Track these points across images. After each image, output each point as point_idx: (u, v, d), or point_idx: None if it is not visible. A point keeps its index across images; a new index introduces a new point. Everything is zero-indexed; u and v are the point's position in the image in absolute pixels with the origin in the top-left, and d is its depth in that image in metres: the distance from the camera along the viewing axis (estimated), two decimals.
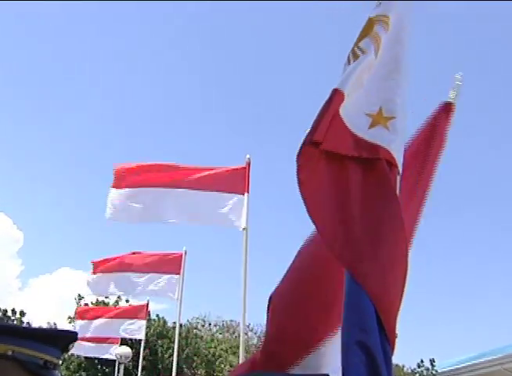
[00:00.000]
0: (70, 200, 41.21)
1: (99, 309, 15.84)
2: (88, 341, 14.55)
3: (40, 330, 1.44)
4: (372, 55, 2.20)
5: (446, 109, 2.61)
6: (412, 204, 2.34)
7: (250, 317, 29.12)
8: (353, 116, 2.13)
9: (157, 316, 24.61)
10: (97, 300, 21.84)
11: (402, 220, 2.03)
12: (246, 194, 6.62)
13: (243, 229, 6.43)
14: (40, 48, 39.78)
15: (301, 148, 2.01)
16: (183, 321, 24.59)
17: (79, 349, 15.03)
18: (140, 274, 11.14)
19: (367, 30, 2.26)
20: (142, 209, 6.97)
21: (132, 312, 14.15)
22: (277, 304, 2.42)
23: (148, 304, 14.25)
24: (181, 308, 10.74)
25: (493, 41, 35.36)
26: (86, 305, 21.13)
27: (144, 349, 15.24)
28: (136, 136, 39.91)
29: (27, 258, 43.16)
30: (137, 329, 13.88)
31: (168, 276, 10.91)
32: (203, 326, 29.76)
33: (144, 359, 16.22)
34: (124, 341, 15.96)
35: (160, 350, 22.89)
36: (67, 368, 22.50)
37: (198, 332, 27.16)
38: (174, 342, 11.65)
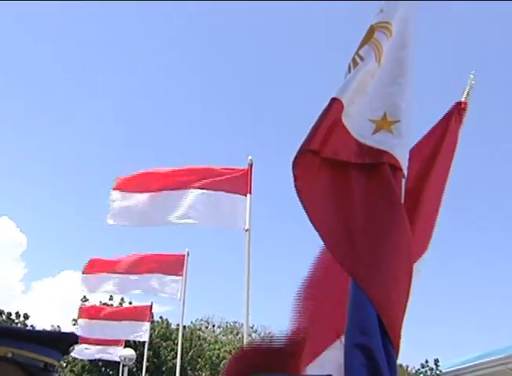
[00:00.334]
0: (72, 204, 41.25)
1: (104, 309, 15.79)
2: (92, 343, 14.55)
3: (40, 332, 1.42)
4: (373, 61, 2.20)
5: (458, 108, 2.59)
6: (425, 204, 2.32)
7: (254, 318, 29.11)
8: (357, 123, 2.13)
9: (161, 318, 24.64)
10: (100, 302, 21.86)
11: (406, 227, 2.02)
12: (248, 195, 6.62)
13: (246, 230, 6.43)
14: (40, 48, 39.86)
15: (296, 157, 2.01)
16: (187, 323, 24.61)
17: (83, 354, 15.03)
18: (142, 275, 11.10)
19: (367, 38, 2.27)
20: (143, 212, 6.97)
21: (136, 314, 14.13)
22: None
23: (152, 306, 14.24)
24: (184, 309, 10.74)
25: (497, 42, 35.31)
26: (91, 307, 21.13)
27: (148, 351, 15.22)
28: (136, 137, 39.97)
29: (31, 261, 43.34)
30: (141, 331, 13.86)
31: (171, 277, 10.88)
32: (206, 327, 29.76)
33: (148, 361, 16.20)
34: (127, 343, 15.95)
35: (163, 352, 22.88)
36: (71, 371, 22.52)
37: (202, 334, 27.14)
38: (177, 344, 11.63)
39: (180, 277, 10.71)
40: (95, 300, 21.17)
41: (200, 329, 28.27)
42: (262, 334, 30.00)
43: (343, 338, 2.23)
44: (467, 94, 2.63)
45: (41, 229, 41.79)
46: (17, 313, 24.86)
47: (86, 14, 37.31)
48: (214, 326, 30.27)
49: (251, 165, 6.80)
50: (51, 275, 59.46)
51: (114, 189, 7.11)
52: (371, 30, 2.28)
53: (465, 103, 2.61)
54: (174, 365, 15.31)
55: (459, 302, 36.97)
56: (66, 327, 22.40)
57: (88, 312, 14.67)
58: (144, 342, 14.48)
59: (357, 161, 2.09)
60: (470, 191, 37.09)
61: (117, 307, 19.92)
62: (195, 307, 39.41)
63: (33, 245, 41.14)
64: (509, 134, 34.73)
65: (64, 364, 22.81)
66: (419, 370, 22.54)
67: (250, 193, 6.64)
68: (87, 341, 14.19)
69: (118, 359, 15.86)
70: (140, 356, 15.66)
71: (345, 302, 2.11)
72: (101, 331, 13.92)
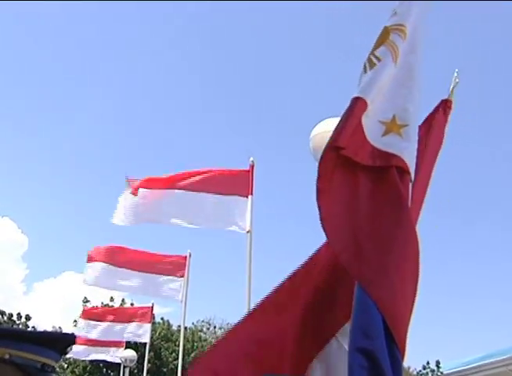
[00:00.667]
0: (73, 204, 41.26)
1: (105, 310, 15.80)
2: (93, 344, 14.55)
3: (37, 333, 1.43)
4: (391, 63, 2.21)
5: (444, 107, 2.60)
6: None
7: None
8: (369, 124, 2.13)
9: (162, 319, 24.64)
10: (102, 303, 21.87)
11: (413, 231, 2.03)
12: (250, 197, 6.62)
13: (248, 231, 6.44)
14: (40, 48, 39.91)
15: (324, 153, 2.02)
16: (188, 324, 24.61)
17: (84, 353, 15.02)
18: (143, 273, 11.08)
19: (383, 39, 2.27)
20: (146, 210, 6.98)
21: (137, 315, 14.13)
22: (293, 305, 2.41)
23: (153, 307, 14.25)
24: (185, 311, 10.75)
25: (492, 41, 35.31)
26: (93, 308, 21.15)
27: (149, 352, 15.22)
28: (136, 137, 39.99)
29: (32, 262, 43.33)
30: (142, 332, 13.86)
31: (172, 278, 10.89)
32: (208, 329, 29.74)
33: (149, 362, 16.20)
34: (128, 345, 15.96)
35: (164, 353, 22.89)
36: (73, 372, 22.53)
37: (203, 335, 27.13)
38: (179, 345, 11.63)
39: (182, 278, 10.72)
40: (96, 301, 21.20)
41: (201, 330, 28.26)
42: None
43: (339, 337, 2.25)
44: (452, 92, 2.64)
45: (42, 230, 41.86)
46: (19, 314, 24.90)
47: (86, 14, 37.37)
48: (215, 327, 30.23)
49: (252, 167, 6.80)
50: (52, 276, 59.38)
51: (132, 191, 7.12)
52: (386, 32, 2.28)
53: (450, 101, 2.62)
54: (175, 366, 15.32)
55: (461, 303, 36.96)
56: (68, 328, 22.43)
57: (90, 313, 14.67)
58: (145, 343, 14.49)
59: (368, 163, 2.09)
60: (470, 191, 37.10)
61: (118, 308, 19.92)
62: (196, 308, 39.47)
63: (34, 246, 41.11)
64: (509, 134, 34.71)
65: (65, 366, 22.83)
66: (420, 371, 22.55)
67: (252, 194, 6.65)
68: (88, 342, 14.20)
69: (119, 361, 15.87)
70: (141, 358, 15.66)
71: (338, 305, 2.13)
72: (102, 332, 13.93)
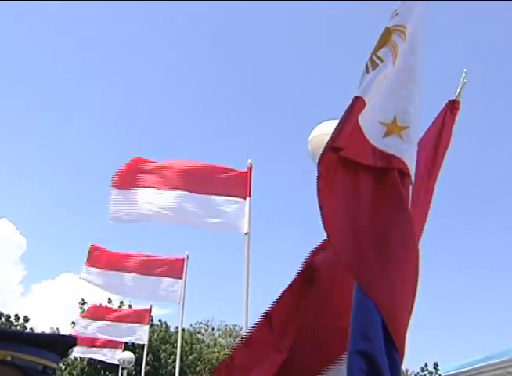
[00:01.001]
0: (72, 205, 41.22)
1: (103, 310, 15.76)
2: (90, 344, 14.53)
3: (38, 335, 1.42)
4: (390, 64, 2.21)
5: (451, 107, 2.58)
6: (417, 206, 2.33)
7: (253, 321, 28.96)
8: (369, 124, 2.12)
9: (160, 320, 24.63)
10: (100, 305, 21.83)
11: (412, 233, 2.02)
12: (248, 199, 6.62)
13: (246, 233, 6.43)
14: (40, 48, 39.91)
15: (323, 154, 2.01)
16: (186, 326, 24.59)
17: (81, 352, 14.99)
18: (141, 276, 11.07)
19: (385, 40, 2.26)
20: (142, 209, 6.93)
21: (135, 317, 14.11)
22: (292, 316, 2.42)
23: (151, 308, 14.23)
24: (183, 312, 10.73)
25: (493, 41, 35.34)
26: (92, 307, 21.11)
27: (147, 354, 15.21)
28: (136, 136, 39.96)
29: (30, 263, 43.28)
30: (140, 334, 13.85)
31: (170, 280, 10.88)
32: (206, 330, 29.73)
33: (147, 364, 16.20)
34: (126, 346, 15.94)
35: (163, 355, 22.87)
36: (70, 373, 22.49)
37: (201, 337, 27.11)
38: (176, 347, 11.62)
39: (180, 280, 10.71)
40: (94, 303, 21.13)
41: (199, 332, 28.24)
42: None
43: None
44: (459, 92, 2.62)
45: (40, 232, 41.81)
46: (16, 316, 24.86)
47: (86, 14, 37.45)
48: (213, 329, 30.24)
49: (251, 168, 6.80)
50: (50, 277, 59.52)
51: (113, 186, 7.00)
52: (388, 33, 2.28)
53: (457, 102, 2.60)
54: (174, 368, 15.30)
55: (459, 305, 36.97)
56: (66, 330, 22.40)
57: (88, 313, 14.65)
58: (143, 345, 14.47)
59: (370, 164, 2.09)
60: (469, 191, 37.12)
61: (117, 309, 19.89)
62: (194, 310, 39.46)
63: (32, 247, 41.20)
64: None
65: (63, 367, 22.79)
66: (418, 373, 22.56)
67: (250, 196, 6.64)
68: (86, 341, 14.18)
69: (117, 362, 15.85)
70: (139, 359, 15.65)
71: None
72: (100, 332, 13.90)
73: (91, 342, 14.50)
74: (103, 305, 21.86)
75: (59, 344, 1.31)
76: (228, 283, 34.38)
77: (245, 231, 6.44)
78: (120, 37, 41.06)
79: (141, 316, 14.04)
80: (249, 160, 6.82)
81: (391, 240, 1.98)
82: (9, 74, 39.56)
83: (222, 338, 29.34)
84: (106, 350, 15.10)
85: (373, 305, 1.87)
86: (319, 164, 2.00)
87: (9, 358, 1.19)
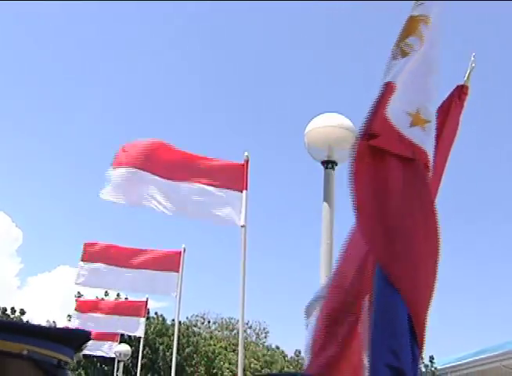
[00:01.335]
0: (69, 199, 41.20)
1: (99, 303, 15.77)
2: None
3: (55, 329, 1.43)
4: (417, 53, 2.18)
5: (459, 92, 2.54)
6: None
7: (249, 314, 29.13)
8: (395, 112, 2.08)
9: (156, 313, 24.67)
10: (97, 297, 21.86)
11: (437, 226, 1.99)
12: (244, 191, 6.61)
13: (242, 226, 6.43)
14: (40, 48, 39.80)
15: (358, 139, 1.99)
16: (182, 319, 24.65)
17: None
18: (137, 270, 11.08)
19: (413, 29, 2.22)
20: (139, 193, 6.84)
21: (132, 310, 14.13)
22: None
23: (147, 301, 14.24)
24: (180, 305, 10.75)
25: (494, 42, 35.32)
26: (87, 300, 21.13)
27: (143, 347, 15.24)
28: (136, 136, 39.79)
29: (26, 256, 43.32)
30: (136, 327, 13.87)
31: (167, 273, 10.88)
32: (202, 323, 29.81)
33: (143, 357, 16.24)
34: (123, 339, 15.97)
35: (159, 348, 22.92)
36: None
37: (197, 330, 27.19)
38: (173, 340, 11.64)
39: (176, 273, 10.71)
40: (90, 296, 21.14)
41: (195, 325, 28.32)
42: (257, 330, 30.04)
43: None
44: (468, 77, 2.58)
45: (36, 225, 41.81)
46: (13, 309, 24.85)
47: (86, 14, 37.34)
48: (209, 322, 30.34)
49: (247, 161, 6.79)
50: (47, 270, 59.48)
51: (113, 164, 6.88)
52: (414, 21, 2.23)
53: (466, 87, 2.56)
54: (170, 361, 15.34)
55: (454, 299, 37.10)
56: (62, 323, 22.42)
57: (84, 306, 14.66)
58: (139, 338, 14.49)
59: (398, 152, 2.04)
60: (468, 191, 37.20)
61: (113, 301, 19.91)
62: (191, 303, 39.54)
63: (28, 240, 41.16)
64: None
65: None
66: None
67: (246, 189, 6.64)
68: None
69: (113, 355, 15.88)
70: (135, 352, 15.68)
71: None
72: (96, 324, 13.89)
73: None
74: (100, 297, 21.95)
75: (75, 338, 1.31)
76: (224, 277, 34.50)
77: (241, 224, 6.44)
78: (120, 37, 40.98)
79: (137, 309, 14.05)
80: (246, 153, 6.81)
81: (418, 233, 1.95)
82: (9, 74, 39.46)
83: (219, 331, 29.44)
84: (102, 343, 15.10)
85: (398, 299, 1.83)
86: (354, 148, 1.96)
87: (25, 352, 1.19)
